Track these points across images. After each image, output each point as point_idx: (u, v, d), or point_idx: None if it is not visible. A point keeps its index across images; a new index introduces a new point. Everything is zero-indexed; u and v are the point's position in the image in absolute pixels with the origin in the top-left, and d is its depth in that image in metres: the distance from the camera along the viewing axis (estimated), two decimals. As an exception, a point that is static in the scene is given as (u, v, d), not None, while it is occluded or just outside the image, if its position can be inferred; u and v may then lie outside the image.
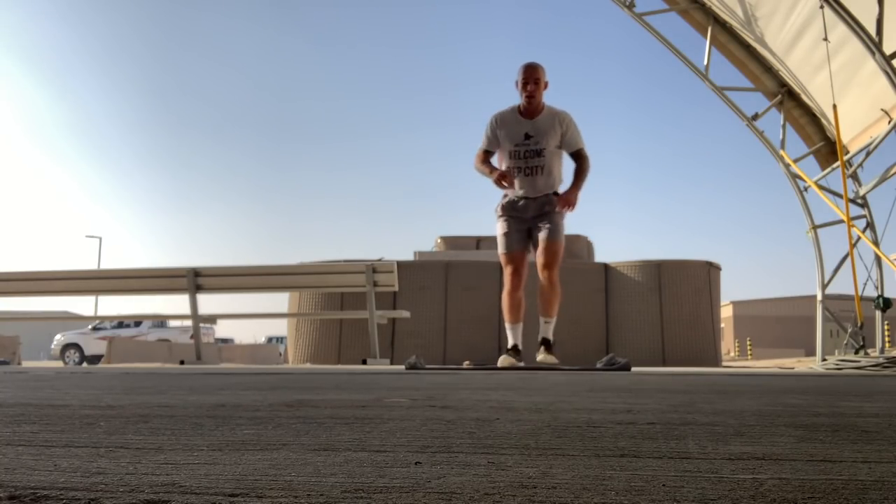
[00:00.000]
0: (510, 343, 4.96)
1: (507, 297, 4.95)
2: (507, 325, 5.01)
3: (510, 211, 5.00)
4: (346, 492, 0.66)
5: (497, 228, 5.08)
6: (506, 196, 5.03)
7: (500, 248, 5.04)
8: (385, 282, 6.83)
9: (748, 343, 29.48)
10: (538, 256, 4.95)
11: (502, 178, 4.86)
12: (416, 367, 4.80)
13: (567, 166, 5.07)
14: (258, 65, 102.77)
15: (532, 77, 4.87)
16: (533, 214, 4.96)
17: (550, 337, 4.96)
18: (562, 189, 4.99)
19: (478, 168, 5.06)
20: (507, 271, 4.96)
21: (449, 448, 0.93)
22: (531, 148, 4.91)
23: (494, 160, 5.07)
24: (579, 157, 4.99)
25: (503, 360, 4.88)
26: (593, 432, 1.10)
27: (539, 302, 4.94)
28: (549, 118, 4.93)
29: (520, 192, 4.96)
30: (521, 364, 4.89)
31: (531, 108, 4.92)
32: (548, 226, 4.92)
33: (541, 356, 4.91)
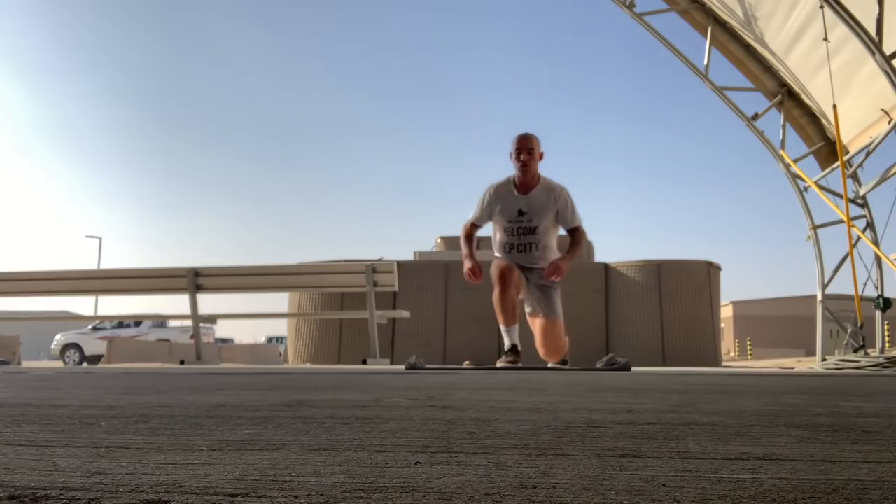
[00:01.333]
0: (507, 345, 4.81)
1: (498, 298, 4.72)
2: (503, 328, 4.83)
3: (508, 259, 4.87)
4: (346, 492, 0.66)
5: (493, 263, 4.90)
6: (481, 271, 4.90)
7: (494, 268, 4.81)
8: (385, 282, 6.83)
9: (748, 343, 29.49)
10: (541, 339, 4.84)
11: (471, 274, 4.81)
12: (416, 367, 4.80)
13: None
14: (257, 65, 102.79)
15: (525, 147, 4.80)
16: (530, 276, 4.84)
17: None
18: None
19: (461, 242, 5.03)
20: (497, 273, 4.75)
21: (449, 448, 0.93)
22: (525, 225, 4.83)
23: (489, 228, 5.04)
24: (575, 233, 4.91)
25: (501, 362, 4.81)
26: (593, 432, 1.10)
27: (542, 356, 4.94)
28: (544, 194, 4.82)
29: (516, 262, 4.84)
30: (520, 364, 4.82)
31: (525, 179, 4.82)
32: (547, 304, 4.80)
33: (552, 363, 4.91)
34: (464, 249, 4.96)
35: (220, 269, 7.42)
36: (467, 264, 4.85)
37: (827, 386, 2.73)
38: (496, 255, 4.98)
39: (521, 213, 4.83)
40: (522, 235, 4.84)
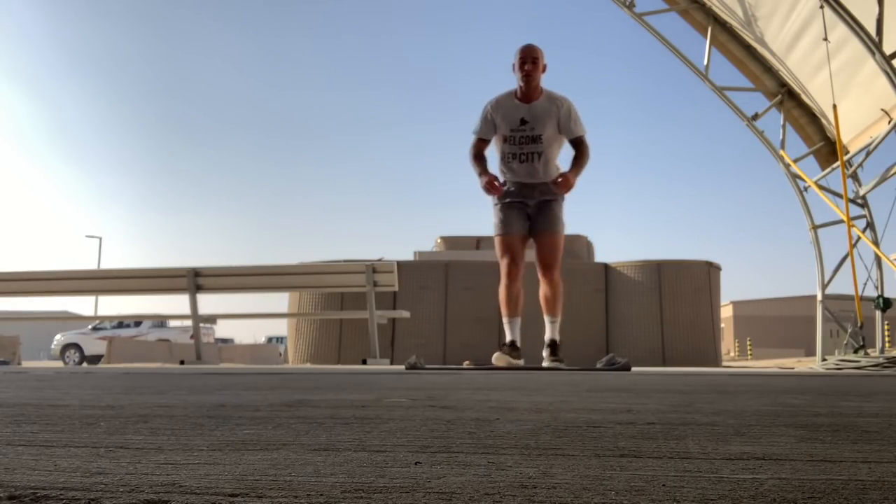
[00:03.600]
0: (507, 339, 4.81)
1: (504, 289, 4.78)
2: (505, 320, 4.85)
3: (508, 196, 4.85)
4: (346, 492, 0.66)
5: (494, 214, 4.91)
6: (504, 183, 4.88)
7: (497, 231, 4.86)
8: (385, 282, 6.83)
9: (748, 343, 29.48)
10: (538, 253, 4.82)
11: (490, 187, 4.73)
12: (416, 367, 4.79)
13: (565, 152, 4.92)
14: (257, 63, 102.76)
15: (530, 57, 4.71)
16: (532, 201, 4.82)
17: (557, 337, 4.89)
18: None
19: (471, 163, 4.90)
20: (504, 262, 4.79)
21: (449, 448, 0.93)
22: (527, 134, 4.75)
23: (491, 148, 4.93)
24: (579, 145, 4.82)
25: (498, 358, 4.75)
26: (593, 432, 1.10)
27: (542, 303, 4.83)
28: (547, 103, 4.76)
29: (517, 179, 4.82)
30: (521, 362, 4.80)
31: (528, 90, 4.75)
32: (549, 219, 4.79)
33: (546, 362, 4.87)
34: (475, 168, 4.85)
35: (220, 269, 7.42)
36: (483, 179, 4.75)
37: (827, 386, 2.73)
38: (499, 170, 4.88)
39: (523, 121, 4.75)
40: (525, 145, 4.76)
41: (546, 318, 4.86)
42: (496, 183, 4.75)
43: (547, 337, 4.88)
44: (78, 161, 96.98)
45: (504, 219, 4.85)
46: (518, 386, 2.48)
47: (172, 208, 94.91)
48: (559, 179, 4.73)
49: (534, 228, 4.85)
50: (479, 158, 4.89)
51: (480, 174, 4.80)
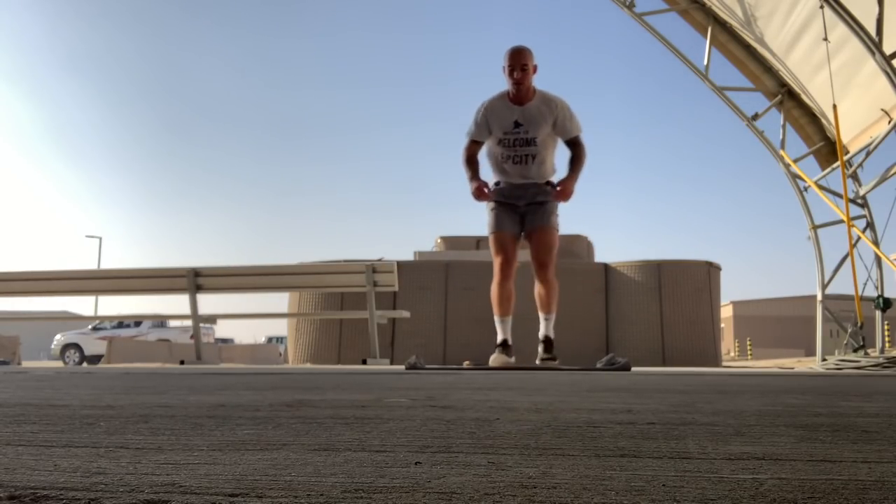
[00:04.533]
0: (500, 338, 4.81)
1: (496, 288, 4.77)
2: (497, 319, 4.85)
3: (501, 196, 4.84)
4: (346, 492, 0.65)
5: (487, 213, 4.90)
6: (497, 183, 4.87)
7: (490, 229, 4.84)
8: (385, 282, 6.83)
9: (748, 343, 29.48)
10: (532, 250, 4.80)
11: (479, 193, 4.71)
12: (416, 367, 4.79)
13: (561, 152, 4.90)
14: (257, 63, 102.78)
15: (519, 63, 4.63)
16: (525, 202, 4.80)
17: (551, 334, 4.88)
18: (556, 179, 4.83)
19: (463, 166, 4.86)
20: (498, 261, 4.77)
21: (449, 448, 0.93)
22: (521, 136, 4.70)
23: (483, 151, 4.90)
24: (575, 146, 4.78)
25: (495, 359, 4.76)
26: (593, 432, 1.10)
27: (537, 301, 4.83)
28: (541, 104, 4.71)
29: (510, 180, 4.80)
30: (512, 360, 4.80)
31: (520, 94, 4.70)
32: (541, 215, 4.76)
33: (540, 360, 4.87)
34: (467, 172, 4.81)
35: (220, 269, 7.42)
36: (473, 185, 4.73)
37: (827, 386, 2.73)
38: (492, 174, 4.86)
39: (517, 124, 4.70)
40: (519, 147, 4.72)
41: (541, 315, 4.86)
42: (486, 190, 4.74)
43: (541, 333, 4.89)
44: (77, 161, 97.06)
45: (497, 217, 4.84)
46: (518, 386, 2.48)
47: (172, 208, 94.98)
48: (558, 188, 4.72)
49: (527, 227, 4.83)
50: (471, 162, 4.84)
51: (471, 179, 4.77)
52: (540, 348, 4.90)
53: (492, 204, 4.87)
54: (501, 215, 4.82)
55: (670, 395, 1.97)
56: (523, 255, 4.93)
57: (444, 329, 10.64)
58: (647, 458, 0.84)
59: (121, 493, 0.65)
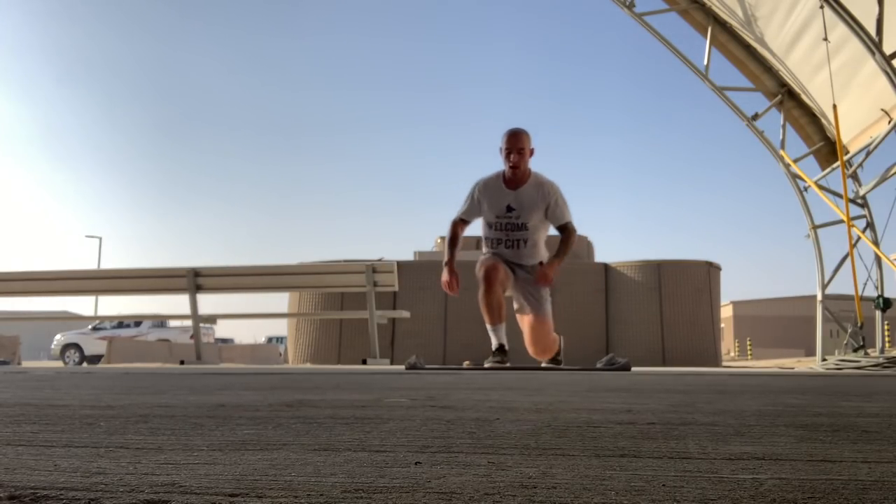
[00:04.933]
0: (494, 344, 4.71)
1: (483, 297, 4.63)
2: (489, 328, 4.73)
3: (496, 252, 4.79)
4: (346, 492, 0.65)
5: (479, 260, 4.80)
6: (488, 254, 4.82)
7: (479, 265, 4.70)
8: (385, 282, 6.83)
9: (748, 343, 29.48)
10: (528, 339, 4.75)
11: (448, 287, 4.71)
12: (416, 367, 4.79)
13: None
14: (257, 63, 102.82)
15: (516, 147, 4.64)
16: (519, 272, 4.75)
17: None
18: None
19: (446, 242, 4.86)
20: (482, 272, 4.65)
21: (449, 448, 0.93)
22: (513, 221, 4.70)
23: (476, 226, 4.92)
24: (564, 231, 4.78)
25: (489, 364, 4.71)
26: (593, 432, 1.10)
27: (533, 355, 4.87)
28: (534, 190, 4.69)
29: (503, 258, 4.75)
30: (508, 364, 4.73)
31: (515, 178, 4.69)
32: (535, 301, 4.69)
33: (544, 362, 4.87)
34: (446, 254, 4.80)
35: (220, 269, 7.42)
36: (445, 275, 4.72)
37: (827, 386, 2.73)
38: (483, 250, 4.87)
39: (509, 208, 4.70)
40: (511, 231, 4.72)
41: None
42: (454, 284, 4.72)
43: None
44: (77, 162, 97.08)
45: (488, 257, 4.76)
46: (518, 386, 2.48)
47: (172, 208, 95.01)
48: (539, 272, 4.66)
49: (523, 305, 4.77)
50: (453, 242, 4.84)
51: (446, 263, 4.75)
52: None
53: (487, 252, 4.83)
54: (493, 258, 4.74)
55: (670, 395, 1.97)
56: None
57: (444, 329, 10.64)
58: (647, 458, 0.84)
59: (121, 493, 0.65)
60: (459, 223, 4.88)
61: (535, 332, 4.71)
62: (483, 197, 4.77)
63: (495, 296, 4.64)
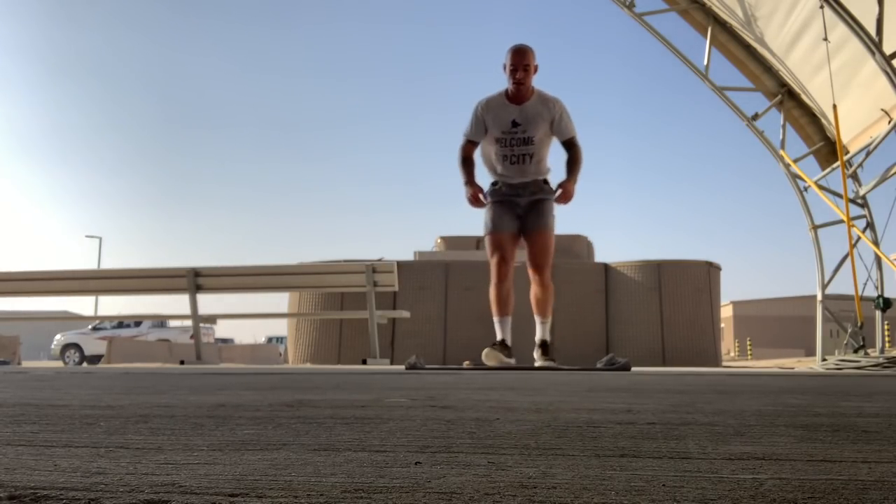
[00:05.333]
0: (498, 337, 4.78)
1: (494, 289, 4.76)
2: (496, 319, 4.83)
3: (499, 196, 4.83)
4: (346, 492, 0.65)
5: (484, 212, 4.87)
6: (495, 183, 4.87)
7: (487, 229, 4.83)
8: (385, 282, 6.83)
9: (748, 343, 29.48)
10: (528, 253, 4.80)
11: (474, 200, 4.73)
12: (416, 367, 4.79)
13: (555, 152, 4.90)
14: (256, 62, 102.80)
15: (521, 64, 4.63)
16: (523, 200, 4.79)
17: (548, 338, 4.87)
18: (551, 177, 4.85)
19: (459, 167, 4.86)
20: (494, 260, 4.76)
21: (449, 448, 0.93)
22: (519, 136, 4.70)
23: (477, 151, 4.91)
24: (571, 147, 4.79)
25: (488, 355, 4.71)
26: (593, 432, 1.10)
27: (533, 304, 4.81)
28: (539, 104, 4.71)
29: (507, 179, 4.81)
30: (512, 361, 4.77)
31: (520, 94, 4.70)
32: (538, 216, 4.77)
33: (539, 361, 4.85)
34: (462, 175, 4.82)
35: (220, 269, 7.42)
36: (468, 191, 4.75)
37: (827, 386, 2.73)
38: (488, 180, 4.88)
39: (515, 123, 4.70)
40: (517, 146, 4.71)
41: (537, 319, 4.85)
42: (481, 196, 4.75)
43: (538, 337, 4.88)
44: (77, 161, 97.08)
45: (494, 217, 4.83)
46: (518, 386, 2.48)
47: (172, 208, 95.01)
48: (559, 191, 4.74)
49: (524, 227, 4.82)
50: (467, 163, 4.85)
51: (466, 183, 4.78)
52: (537, 353, 4.88)
53: (489, 202, 4.86)
54: (500, 214, 4.81)
55: (670, 395, 1.97)
56: (520, 254, 4.93)
57: (444, 329, 10.64)
58: (647, 458, 0.84)
59: (121, 493, 0.65)
60: (468, 145, 4.88)
61: (536, 243, 4.76)
62: (486, 114, 4.77)
63: (505, 289, 4.73)
